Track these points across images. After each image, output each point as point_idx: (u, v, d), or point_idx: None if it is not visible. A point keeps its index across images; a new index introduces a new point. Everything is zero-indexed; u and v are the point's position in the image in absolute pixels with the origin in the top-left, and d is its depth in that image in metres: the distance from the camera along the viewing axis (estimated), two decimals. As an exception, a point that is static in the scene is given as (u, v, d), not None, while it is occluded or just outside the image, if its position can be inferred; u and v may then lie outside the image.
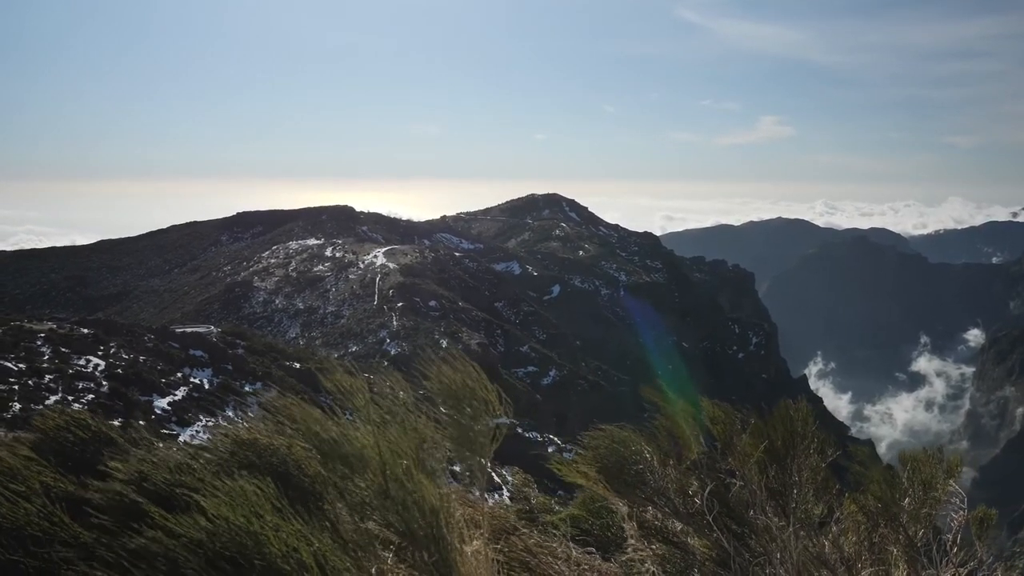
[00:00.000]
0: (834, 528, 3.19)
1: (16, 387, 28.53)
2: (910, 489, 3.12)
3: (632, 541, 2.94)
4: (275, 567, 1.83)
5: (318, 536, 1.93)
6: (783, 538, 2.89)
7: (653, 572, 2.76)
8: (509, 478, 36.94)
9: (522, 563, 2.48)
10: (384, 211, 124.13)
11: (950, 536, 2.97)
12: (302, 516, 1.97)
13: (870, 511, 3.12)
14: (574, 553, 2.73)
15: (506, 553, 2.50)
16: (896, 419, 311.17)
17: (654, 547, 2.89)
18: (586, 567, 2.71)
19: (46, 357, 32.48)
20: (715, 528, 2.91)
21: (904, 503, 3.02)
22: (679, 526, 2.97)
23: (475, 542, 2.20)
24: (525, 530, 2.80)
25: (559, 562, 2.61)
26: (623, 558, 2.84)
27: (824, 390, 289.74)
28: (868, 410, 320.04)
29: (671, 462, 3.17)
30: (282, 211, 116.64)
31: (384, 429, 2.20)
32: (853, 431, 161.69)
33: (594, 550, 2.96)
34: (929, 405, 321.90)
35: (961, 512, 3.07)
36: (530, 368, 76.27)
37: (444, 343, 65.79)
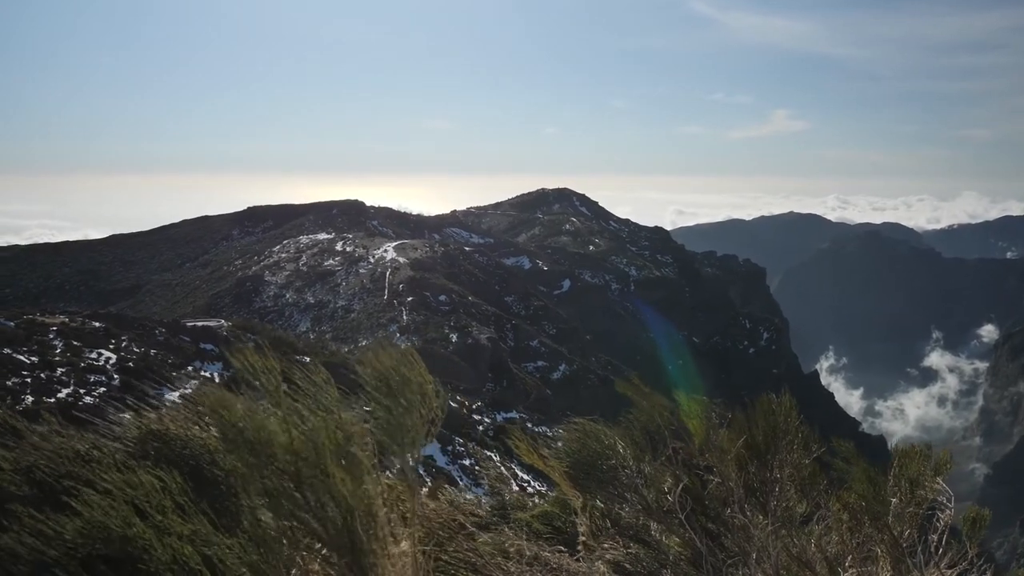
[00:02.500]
0: (817, 527, 3.12)
1: (28, 380, 28.77)
2: (896, 487, 3.04)
3: (583, 538, 2.83)
4: (158, 572, 1.71)
5: (220, 537, 1.81)
6: (761, 537, 2.82)
7: (603, 572, 2.67)
8: (521, 474, 36.94)
9: (467, 563, 2.39)
10: (394, 205, 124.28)
11: (935, 537, 2.88)
12: (208, 514, 1.85)
13: (853, 510, 3.05)
14: (528, 551, 2.63)
15: (450, 553, 2.42)
16: (908, 415, 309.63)
17: (630, 547, 2.81)
18: (540, 567, 2.60)
19: (58, 350, 32.71)
20: (687, 526, 2.85)
21: (892, 501, 2.94)
22: (653, 524, 2.90)
23: (403, 543, 2.10)
24: (474, 528, 2.70)
25: (510, 562, 2.51)
26: (575, 556, 2.74)
27: (836, 385, 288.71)
28: (880, 405, 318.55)
29: (647, 457, 3.11)
30: (293, 206, 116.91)
31: (300, 417, 2.09)
32: (864, 426, 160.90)
33: (564, 548, 2.90)
34: (942, 401, 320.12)
35: (948, 511, 2.99)
36: (540, 363, 76.26)
37: (454, 337, 65.91)
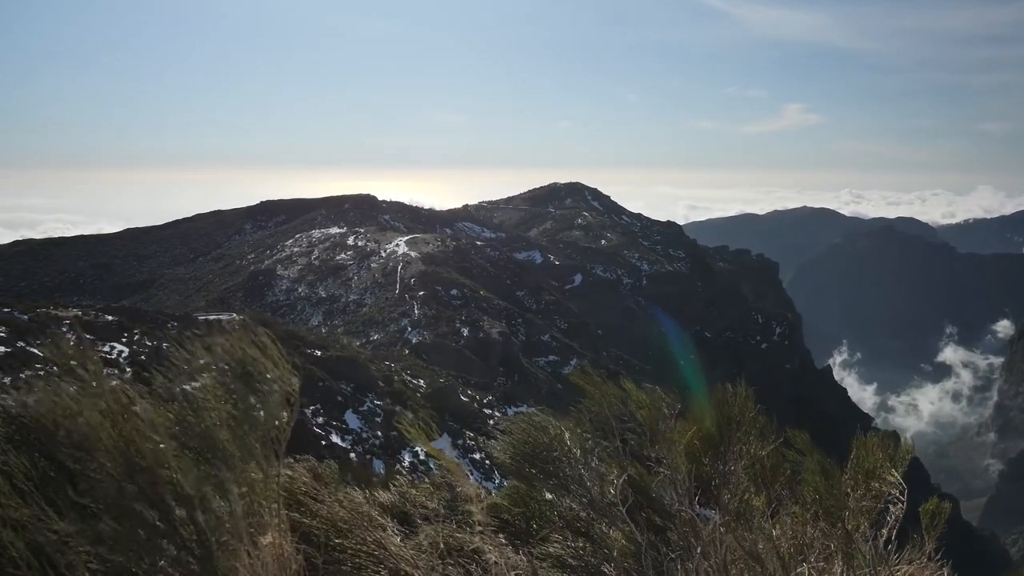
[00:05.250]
0: (770, 521, 3.03)
1: (41, 373, 29.02)
2: (851, 480, 2.94)
3: (479, 527, 2.78)
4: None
5: (63, 526, 1.71)
6: (708, 531, 2.75)
7: (495, 561, 2.59)
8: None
9: (373, 557, 2.31)
10: (406, 200, 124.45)
11: (886, 531, 2.77)
12: (55, 503, 1.75)
13: (807, 503, 2.96)
14: (442, 544, 2.56)
15: (354, 547, 2.34)
16: (922, 410, 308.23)
17: (576, 541, 2.75)
18: (455, 559, 2.53)
19: (71, 343, 32.92)
20: (628, 520, 2.77)
21: (848, 494, 2.82)
22: (597, 517, 2.81)
23: (269, 535, 1.99)
24: (382, 520, 2.61)
25: (422, 555, 2.43)
26: (472, 545, 2.68)
27: (849, 380, 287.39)
28: (893, 401, 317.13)
29: (595, 449, 3.03)
30: (305, 200, 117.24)
31: (132, 403, 1.98)
32: (878, 422, 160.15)
33: (505, 541, 2.82)
34: (956, 396, 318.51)
35: (900, 504, 2.88)
36: (551, 357, 76.15)
37: (465, 332, 65.95)
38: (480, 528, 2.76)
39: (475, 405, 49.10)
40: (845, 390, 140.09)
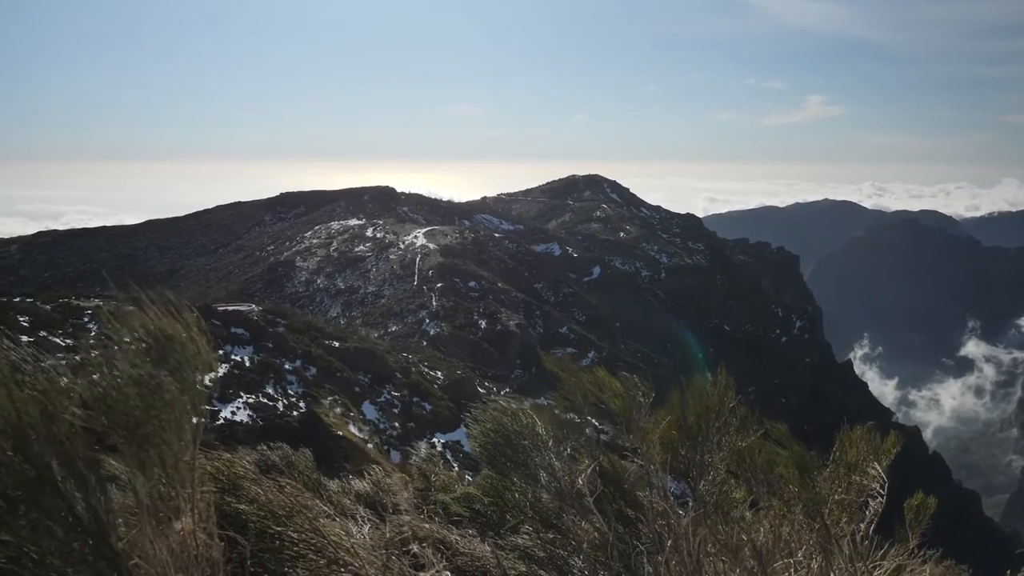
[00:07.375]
0: (748, 515, 2.99)
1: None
2: (833, 473, 2.89)
3: (407, 516, 2.73)
4: None
5: None
6: (681, 524, 2.69)
7: (417, 552, 2.52)
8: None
9: (312, 546, 2.25)
10: (425, 192, 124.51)
11: (863, 526, 2.75)
12: None
13: (785, 497, 2.91)
14: (388, 532, 2.50)
15: (293, 536, 2.25)
16: (943, 405, 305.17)
17: (548, 532, 2.70)
18: (399, 551, 2.45)
19: (92, 333, 33.35)
20: (595, 511, 2.72)
21: (827, 487, 2.80)
22: (568, 508, 2.78)
23: (182, 520, 1.89)
24: (324, 507, 2.52)
25: (364, 549, 2.34)
26: (396, 533, 2.60)
27: (870, 374, 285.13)
28: (914, 395, 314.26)
29: (569, 438, 2.98)
30: (324, 192, 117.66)
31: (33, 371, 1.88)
32: (899, 416, 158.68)
33: (473, 532, 2.82)
34: (979, 391, 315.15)
35: (879, 499, 2.86)
36: (569, 350, 76.01)
37: (483, 324, 66.04)
38: (408, 517, 2.70)
39: (492, 397, 49.20)
40: (866, 384, 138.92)
